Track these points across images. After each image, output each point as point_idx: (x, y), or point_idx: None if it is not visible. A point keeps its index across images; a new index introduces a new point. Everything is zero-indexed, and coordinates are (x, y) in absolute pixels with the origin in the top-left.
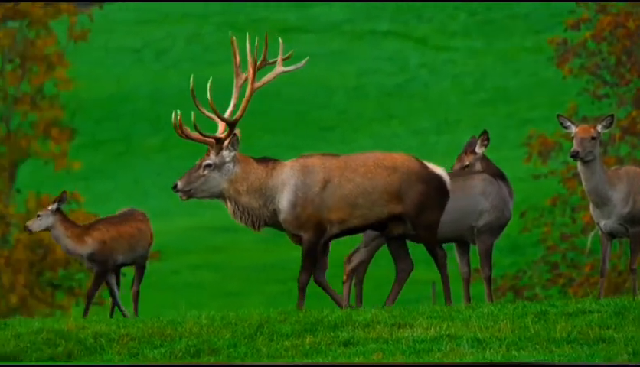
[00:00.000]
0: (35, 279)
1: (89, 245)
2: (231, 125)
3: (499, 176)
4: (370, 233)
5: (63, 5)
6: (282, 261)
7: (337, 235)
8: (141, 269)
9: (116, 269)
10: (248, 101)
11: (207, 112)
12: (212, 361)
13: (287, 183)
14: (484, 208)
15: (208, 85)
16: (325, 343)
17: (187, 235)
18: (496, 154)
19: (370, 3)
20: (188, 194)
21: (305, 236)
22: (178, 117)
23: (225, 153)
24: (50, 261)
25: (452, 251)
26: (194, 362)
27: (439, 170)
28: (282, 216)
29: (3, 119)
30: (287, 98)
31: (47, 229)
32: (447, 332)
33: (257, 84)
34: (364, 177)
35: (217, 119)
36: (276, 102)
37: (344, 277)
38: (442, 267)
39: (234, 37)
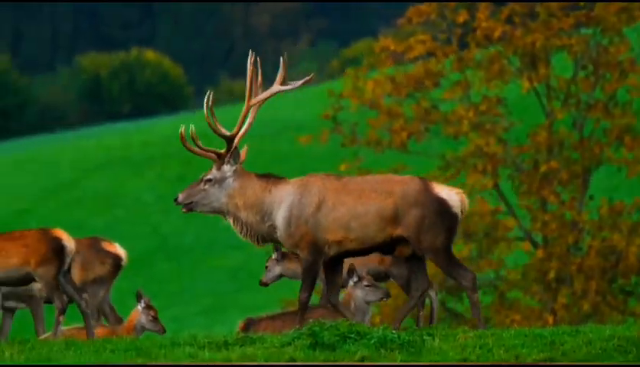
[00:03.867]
0: (607, 286)
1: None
2: (228, 140)
3: None
4: None
5: (637, 12)
6: None
7: (337, 257)
8: None
9: None
10: (244, 117)
11: (211, 125)
12: None
13: (284, 200)
14: None
15: (205, 99)
16: None
17: None
18: None
19: None
20: (189, 207)
21: (302, 255)
22: (181, 129)
23: (226, 168)
24: (622, 268)
25: None
26: None
27: (446, 192)
28: (278, 234)
29: (577, 126)
30: None
31: (282, 276)
32: None
33: (253, 101)
34: (357, 200)
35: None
36: None
37: None
38: (468, 290)
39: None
